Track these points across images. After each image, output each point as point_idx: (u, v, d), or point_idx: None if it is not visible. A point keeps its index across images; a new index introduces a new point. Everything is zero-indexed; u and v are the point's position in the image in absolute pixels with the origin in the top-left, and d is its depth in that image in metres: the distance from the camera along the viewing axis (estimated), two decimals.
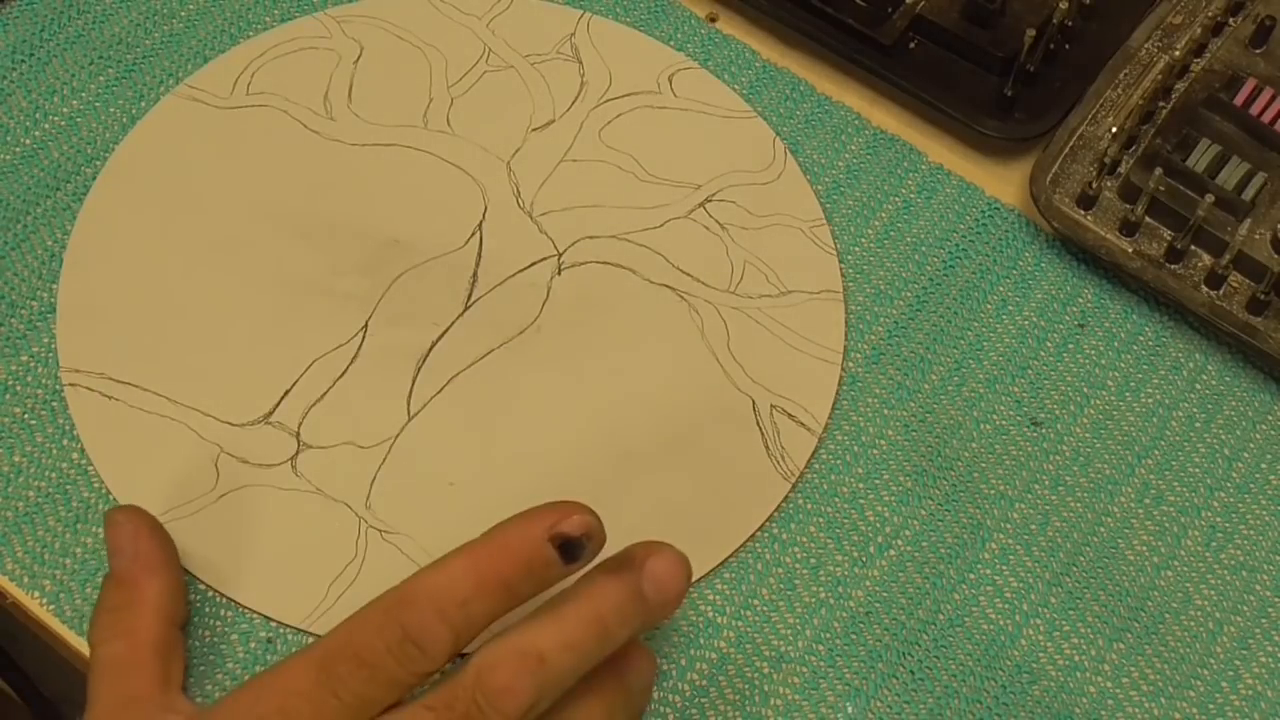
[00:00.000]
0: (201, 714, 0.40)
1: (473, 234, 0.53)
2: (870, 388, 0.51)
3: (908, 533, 0.48)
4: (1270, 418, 0.52)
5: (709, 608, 0.47)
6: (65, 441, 0.48)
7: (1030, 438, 0.51)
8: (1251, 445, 0.51)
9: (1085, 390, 0.52)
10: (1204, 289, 0.52)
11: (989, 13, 0.56)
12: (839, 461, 0.49)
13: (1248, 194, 0.52)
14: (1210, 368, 0.52)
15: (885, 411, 0.51)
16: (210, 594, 0.46)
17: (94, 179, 0.53)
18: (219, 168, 0.53)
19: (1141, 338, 0.53)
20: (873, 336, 0.52)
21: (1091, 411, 0.51)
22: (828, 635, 0.46)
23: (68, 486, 0.47)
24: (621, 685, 0.40)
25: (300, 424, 0.48)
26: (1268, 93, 0.54)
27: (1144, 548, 0.49)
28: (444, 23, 0.57)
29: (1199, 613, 0.48)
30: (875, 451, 0.50)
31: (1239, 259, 0.51)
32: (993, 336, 0.52)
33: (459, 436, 0.49)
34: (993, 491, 0.49)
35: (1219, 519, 0.50)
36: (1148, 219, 0.53)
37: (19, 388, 0.49)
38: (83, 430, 0.48)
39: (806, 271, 0.53)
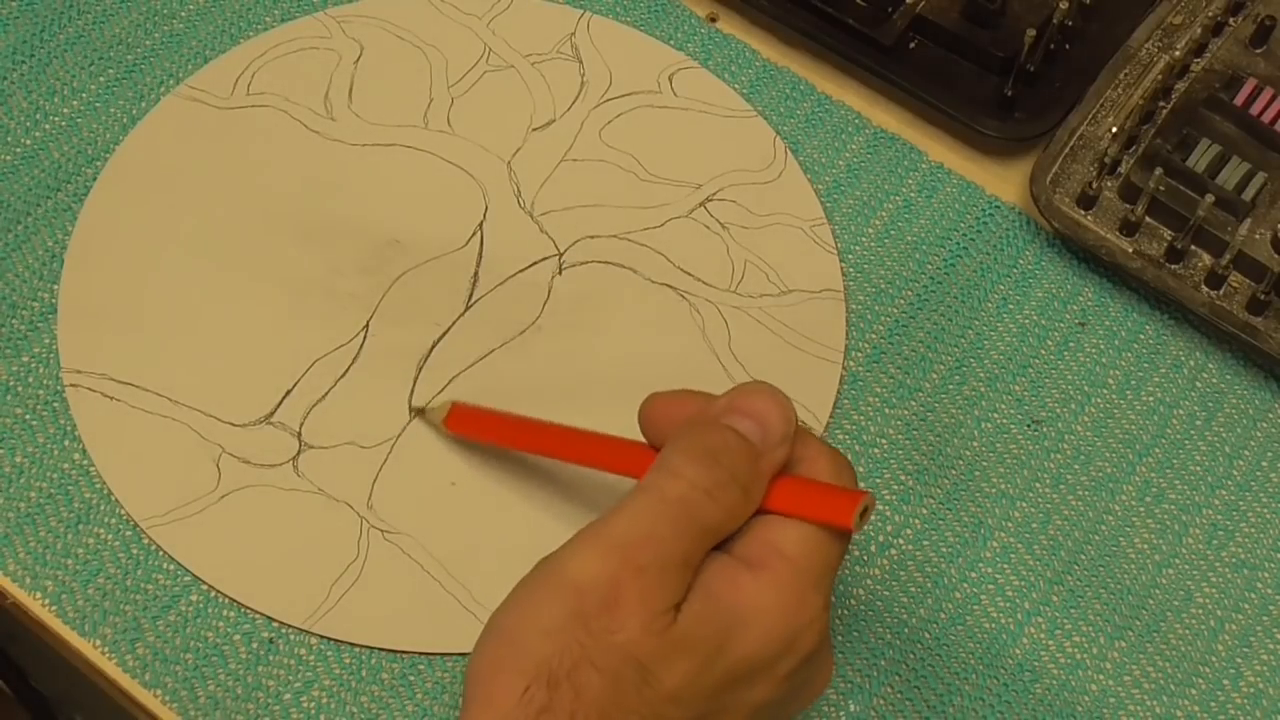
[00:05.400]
0: None
1: (474, 234, 0.53)
2: (871, 386, 0.51)
3: (909, 531, 0.49)
4: (1270, 416, 0.52)
5: None
6: (67, 442, 0.48)
7: (1031, 436, 0.51)
8: (1252, 443, 0.51)
9: (1086, 389, 0.52)
10: (1204, 289, 0.52)
11: (989, 13, 0.56)
12: None
13: (1248, 194, 0.52)
14: (1210, 366, 0.52)
15: (886, 410, 0.51)
16: (212, 594, 0.45)
17: (94, 180, 0.53)
18: (219, 168, 0.53)
19: (1142, 337, 0.53)
20: (873, 335, 0.52)
21: (1092, 410, 0.51)
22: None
23: (69, 487, 0.47)
24: None
25: (302, 424, 0.48)
26: (1268, 93, 0.54)
27: (1145, 546, 0.49)
28: (444, 22, 0.57)
29: (1200, 611, 0.48)
30: (876, 450, 0.50)
31: (1239, 259, 0.52)
32: (993, 335, 0.52)
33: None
34: (994, 490, 0.49)
35: (1220, 517, 0.50)
36: (1148, 219, 0.53)
37: (20, 388, 0.49)
38: (84, 431, 0.48)
39: (807, 271, 0.53)
